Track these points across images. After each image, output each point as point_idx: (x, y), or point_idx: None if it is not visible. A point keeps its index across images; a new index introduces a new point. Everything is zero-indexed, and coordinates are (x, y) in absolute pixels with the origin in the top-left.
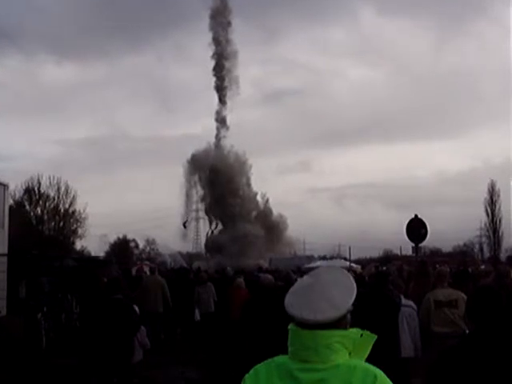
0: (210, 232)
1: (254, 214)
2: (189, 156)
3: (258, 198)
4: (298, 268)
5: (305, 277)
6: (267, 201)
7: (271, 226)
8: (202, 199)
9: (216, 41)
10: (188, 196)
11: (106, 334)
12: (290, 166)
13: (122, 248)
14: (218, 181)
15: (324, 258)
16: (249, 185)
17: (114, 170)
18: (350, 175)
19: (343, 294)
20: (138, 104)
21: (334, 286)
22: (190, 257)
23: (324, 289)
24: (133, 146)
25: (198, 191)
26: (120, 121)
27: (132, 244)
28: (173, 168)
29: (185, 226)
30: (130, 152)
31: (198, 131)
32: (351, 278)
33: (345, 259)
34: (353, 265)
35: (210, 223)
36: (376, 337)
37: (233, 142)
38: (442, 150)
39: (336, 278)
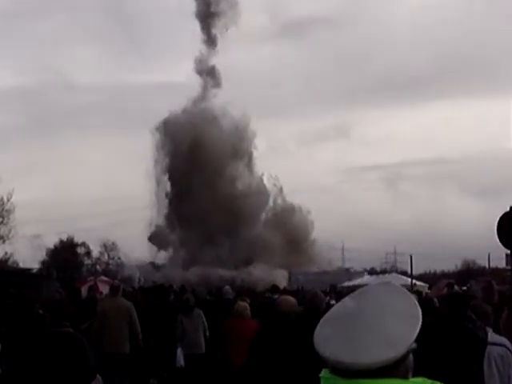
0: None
1: (263, 209)
2: (160, 120)
3: (266, 183)
4: (332, 287)
5: (344, 300)
6: (281, 189)
7: (289, 227)
8: (175, 193)
9: None
10: (159, 181)
11: None
12: (318, 135)
13: (65, 256)
14: (201, 160)
15: (372, 272)
16: (250, 166)
17: (52, 137)
18: (407, 147)
19: (402, 326)
20: (87, 40)
21: (387, 314)
22: (166, 268)
23: (373, 318)
24: (79, 100)
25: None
26: (61, 64)
27: (81, 250)
28: (138, 136)
29: None
30: (74, 110)
31: (176, 81)
32: (414, 302)
33: (404, 274)
34: (416, 282)
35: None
36: None
37: (227, 97)
38: None
39: (390, 302)
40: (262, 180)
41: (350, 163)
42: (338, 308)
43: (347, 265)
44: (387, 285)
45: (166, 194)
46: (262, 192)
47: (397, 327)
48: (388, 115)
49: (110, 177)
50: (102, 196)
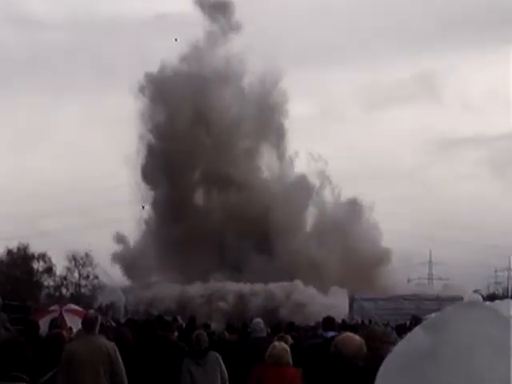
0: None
1: (303, 211)
2: (147, 72)
3: (307, 172)
4: (414, 320)
5: (414, 332)
6: (329, 180)
7: (345, 235)
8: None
9: None
10: (147, 172)
11: None
12: (388, 94)
13: (16, 274)
14: (206, 139)
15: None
16: (281, 146)
17: None
18: None
19: (500, 362)
20: None
21: (477, 348)
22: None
23: (458, 356)
24: (35, 40)
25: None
26: None
27: (39, 265)
28: (116, 95)
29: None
30: (30, 54)
31: (170, 13)
32: None
33: None
34: None
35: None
36: None
37: (246, 41)
38: None
39: (482, 331)
40: (290, 160)
41: (438, 136)
42: (408, 345)
43: (435, 287)
44: (474, 307)
45: (154, 198)
46: (302, 185)
47: (493, 365)
48: (494, 61)
49: (81, 156)
50: (70, 183)
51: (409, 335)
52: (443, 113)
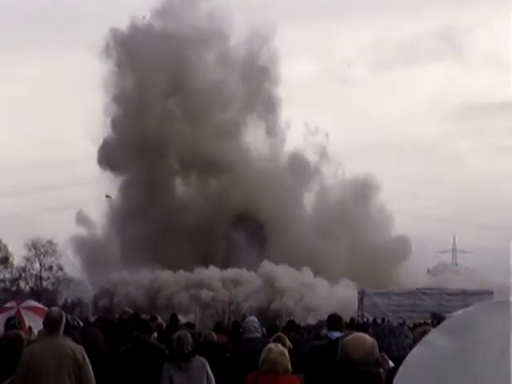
0: None
1: (301, 193)
2: (112, 28)
3: (304, 147)
4: (435, 318)
5: (432, 336)
6: (328, 157)
7: (352, 220)
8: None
9: None
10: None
11: None
12: (407, 51)
13: None
14: (183, 103)
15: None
16: (272, 119)
17: None
18: None
19: None
20: None
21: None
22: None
23: (497, 366)
24: None
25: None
26: None
27: None
28: (77, 54)
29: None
30: None
31: None
32: None
33: None
34: None
35: None
36: None
37: None
38: None
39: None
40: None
41: (464, 101)
42: (428, 352)
43: (462, 279)
44: (505, 305)
45: (121, 184)
46: (297, 164)
47: None
48: None
49: (36, 125)
50: (26, 157)
51: (428, 337)
52: (469, 73)
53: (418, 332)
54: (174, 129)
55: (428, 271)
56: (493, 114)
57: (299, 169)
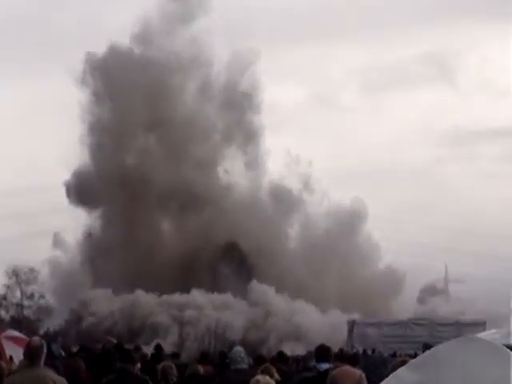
0: None
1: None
2: (89, 52)
3: (287, 176)
4: (426, 347)
5: (400, 372)
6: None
7: (340, 249)
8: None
9: None
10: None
11: None
12: (392, 76)
13: None
14: (163, 143)
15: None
16: (254, 147)
17: None
18: None
19: None
20: None
21: None
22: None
23: None
24: None
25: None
26: None
27: None
28: (52, 78)
29: None
30: None
31: None
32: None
33: None
34: None
35: None
36: None
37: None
38: None
39: (475, 369)
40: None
41: (454, 127)
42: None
43: (454, 308)
44: (469, 341)
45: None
46: (280, 193)
47: None
48: None
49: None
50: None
51: (397, 371)
52: (459, 98)
53: (399, 361)
54: (151, 163)
55: (418, 299)
56: (483, 140)
57: (281, 199)
